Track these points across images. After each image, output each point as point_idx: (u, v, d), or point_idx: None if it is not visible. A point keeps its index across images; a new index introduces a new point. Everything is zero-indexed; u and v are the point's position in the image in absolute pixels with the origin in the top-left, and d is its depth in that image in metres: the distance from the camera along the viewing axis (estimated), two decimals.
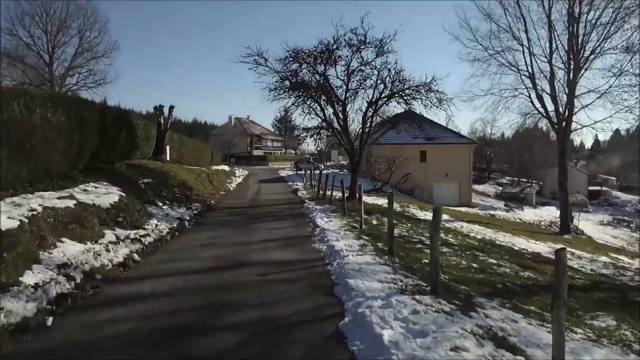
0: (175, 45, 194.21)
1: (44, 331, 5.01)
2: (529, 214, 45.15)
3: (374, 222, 15.33)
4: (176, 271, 7.85)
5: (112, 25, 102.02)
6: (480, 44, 30.04)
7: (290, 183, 35.52)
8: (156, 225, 11.93)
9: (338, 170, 57.99)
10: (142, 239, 9.98)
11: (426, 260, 9.64)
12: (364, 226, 12.81)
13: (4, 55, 41.27)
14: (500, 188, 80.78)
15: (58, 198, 9.23)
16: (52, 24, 43.02)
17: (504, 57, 29.49)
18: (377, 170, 30.46)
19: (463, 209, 38.70)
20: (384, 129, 23.98)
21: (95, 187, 11.72)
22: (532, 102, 29.84)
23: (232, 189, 29.28)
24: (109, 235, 9.33)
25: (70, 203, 9.18)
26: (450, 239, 14.72)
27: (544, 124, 36.94)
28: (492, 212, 39.77)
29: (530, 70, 28.84)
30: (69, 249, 7.56)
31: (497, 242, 17.27)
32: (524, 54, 28.92)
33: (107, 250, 8.35)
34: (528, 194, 67.30)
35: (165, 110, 24.99)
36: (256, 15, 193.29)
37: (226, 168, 47.26)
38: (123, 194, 12.07)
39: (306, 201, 20.95)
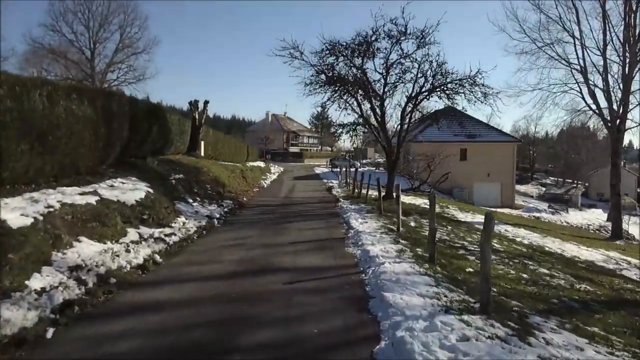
0: (214, 42, 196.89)
1: (41, 345, 4.48)
2: (576, 217, 42.91)
3: (412, 224, 14.47)
4: (198, 276, 7.27)
5: (152, 21, 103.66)
6: (528, 36, 28.37)
7: (325, 180, 34.93)
8: (184, 223, 11.46)
9: (374, 168, 57.00)
10: (167, 239, 9.49)
11: (471, 269, 8.77)
12: (401, 229, 11.97)
13: (49, 52, 42.46)
14: (544, 189, 78.52)
15: (80, 194, 8.83)
16: (94, 20, 43.89)
17: (554, 49, 27.77)
18: (416, 168, 29.37)
19: (505, 210, 37.11)
20: (422, 125, 22.96)
21: (123, 183, 11.34)
22: (583, 98, 27.99)
23: (266, 185, 28.88)
24: (132, 234, 8.87)
25: (92, 199, 8.76)
26: (495, 245, 13.65)
27: (592, 122, 34.77)
28: (536, 214, 37.92)
29: (581, 64, 27.02)
30: (85, 249, 7.09)
31: (547, 249, 16.02)
32: (575, 46, 27.12)
33: (127, 251, 7.86)
34: (573, 196, 64.74)
35: (200, 105, 24.74)
36: (293, 8, 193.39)
37: (261, 164, 47.13)
38: (151, 190, 11.65)
39: (340, 200, 20.22)
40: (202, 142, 25.38)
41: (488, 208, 33.66)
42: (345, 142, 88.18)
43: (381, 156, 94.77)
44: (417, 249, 9.80)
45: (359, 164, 62.14)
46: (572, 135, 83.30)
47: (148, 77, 47.97)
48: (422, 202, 24.40)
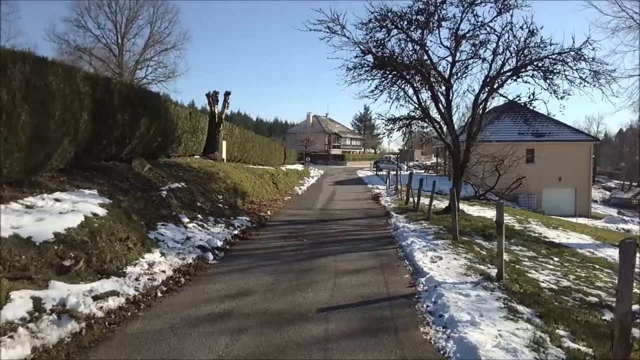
0: (255, 43, 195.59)
1: None
2: None
3: (505, 257, 9.69)
4: None
5: (183, 15, 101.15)
6: (624, 10, 22.71)
7: (370, 186, 30.36)
8: (152, 264, 7.19)
9: (423, 171, 51.83)
10: (92, 307, 5.19)
11: None
12: (505, 276, 7.26)
13: (74, 49, 40.02)
14: (609, 193, 71.54)
15: None
16: (122, 15, 41.13)
17: None
18: (482, 172, 24.29)
19: (584, 220, 31.24)
20: (486, 120, 17.98)
21: (56, 200, 7.21)
22: None
23: (301, 192, 24.52)
24: (16, 306, 4.62)
25: None
26: None
27: None
28: (622, 225, 31.62)
29: None
30: None
31: None
32: None
33: None
34: None
35: (221, 98, 20.65)
36: None
37: (299, 168, 43.11)
38: (100, 212, 7.46)
39: (392, 214, 15.62)
40: (224, 142, 21.30)
41: (564, 218, 28.13)
42: (391, 143, 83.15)
43: (427, 158, 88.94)
44: (558, 330, 5.15)
45: (405, 167, 57.11)
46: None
47: (179, 74, 44.82)
48: (494, 214, 19.28)
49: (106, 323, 5.07)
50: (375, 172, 48.61)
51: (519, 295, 6.42)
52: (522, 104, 14.65)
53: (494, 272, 7.58)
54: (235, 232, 11.13)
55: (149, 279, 6.59)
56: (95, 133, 9.46)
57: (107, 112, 9.90)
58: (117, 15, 41.16)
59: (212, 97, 20.08)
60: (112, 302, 5.53)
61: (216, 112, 20.05)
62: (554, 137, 35.55)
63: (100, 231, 6.77)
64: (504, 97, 15.34)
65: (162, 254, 7.80)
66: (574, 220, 29.41)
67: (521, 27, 13.78)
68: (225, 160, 20.97)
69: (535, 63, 13.94)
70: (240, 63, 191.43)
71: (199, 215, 11.27)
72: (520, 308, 5.83)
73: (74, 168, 9.31)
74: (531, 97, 14.15)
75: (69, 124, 8.29)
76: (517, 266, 9.07)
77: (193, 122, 17.21)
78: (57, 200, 7.23)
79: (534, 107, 14.31)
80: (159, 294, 6.24)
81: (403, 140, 22.01)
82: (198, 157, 18.80)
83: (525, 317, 5.51)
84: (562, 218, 28.12)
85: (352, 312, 5.70)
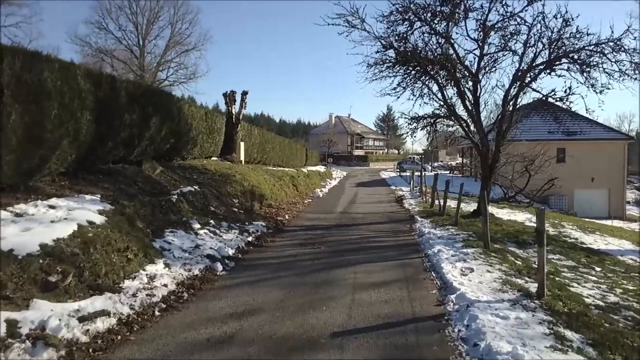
0: (278, 45, 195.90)
1: None
2: None
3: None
4: None
5: (204, 16, 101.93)
6: None
7: (394, 187, 29.52)
8: (153, 277, 6.58)
9: (448, 172, 50.55)
10: (76, 330, 4.58)
11: None
12: (546, 292, 6.39)
13: (97, 51, 40.22)
14: None
15: None
16: (142, 16, 41.19)
17: None
18: (511, 173, 23.13)
19: (619, 223, 29.73)
20: (517, 116, 16.94)
21: (51, 207, 6.67)
22: None
23: (322, 195, 23.79)
24: None
25: None
26: None
27: None
28: None
29: None
30: None
31: None
32: None
33: None
34: None
35: (238, 98, 20.09)
36: None
37: (321, 169, 42.44)
38: (101, 219, 6.89)
39: (416, 218, 14.77)
40: (242, 144, 20.74)
41: (599, 221, 26.75)
42: (415, 143, 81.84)
43: (452, 159, 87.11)
44: None
45: (430, 167, 55.89)
46: None
47: (199, 76, 44.77)
48: (525, 217, 18.38)
49: (90, 350, 4.44)
50: (398, 173, 47.63)
51: (564, 317, 5.56)
52: (558, 99, 13.59)
53: (532, 286, 6.72)
54: (250, 238, 10.48)
55: (147, 295, 5.97)
56: (99, 134, 8.93)
57: (112, 112, 9.37)
58: (138, 17, 41.33)
59: (229, 97, 19.56)
60: (101, 324, 4.92)
61: (233, 112, 19.53)
62: (586, 136, 34.11)
63: (95, 241, 6.18)
64: (537, 91, 14.30)
65: (166, 265, 7.19)
66: (609, 223, 28.03)
67: (554, 17, 12.82)
68: (243, 162, 20.44)
69: (570, 55, 12.92)
70: (251, 66, 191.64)
71: (212, 221, 10.67)
72: (568, 334, 4.99)
73: (78, 171, 8.81)
74: (567, 91, 13.13)
75: (68, 125, 7.75)
76: (557, 278, 8.16)
77: (209, 123, 16.69)
78: (51, 207, 6.68)
79: (571, 102, 13.20)
80: (157, 313, 5.60)
81: (427, 139, 21.06)
82: (215, 158, 18.30)
83: (576, 345, 4.69)
84: (596, 221, 26.81)
85: (372, 338, 4.95)
